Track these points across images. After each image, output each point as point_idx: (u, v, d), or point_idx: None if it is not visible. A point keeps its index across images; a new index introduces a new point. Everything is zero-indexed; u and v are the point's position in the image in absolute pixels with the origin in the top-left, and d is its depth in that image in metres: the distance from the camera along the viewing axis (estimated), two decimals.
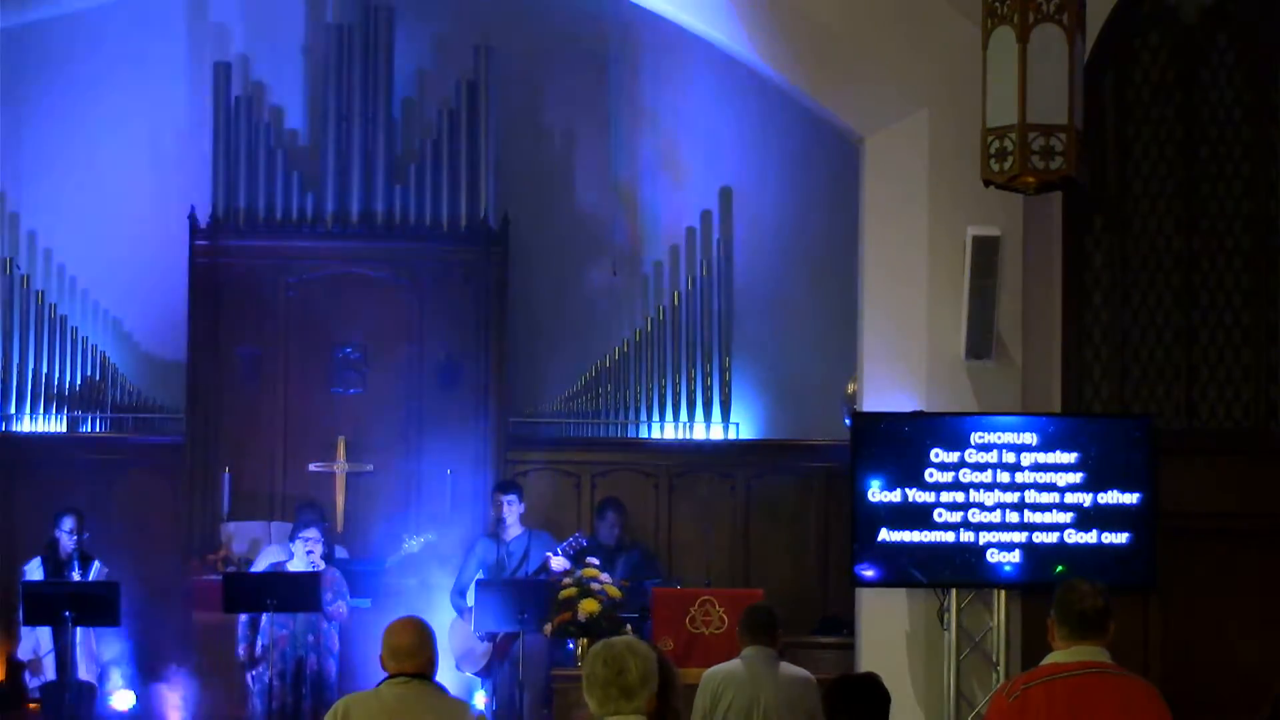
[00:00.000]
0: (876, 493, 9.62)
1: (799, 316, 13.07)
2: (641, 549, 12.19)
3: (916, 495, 9.62)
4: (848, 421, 10.52)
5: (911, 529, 9.61)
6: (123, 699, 11.66)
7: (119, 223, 13.12)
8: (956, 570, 9.63)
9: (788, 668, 8.31)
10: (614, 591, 10.70)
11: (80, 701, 11.00)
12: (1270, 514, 10.39)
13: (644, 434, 12.96)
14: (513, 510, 11.56)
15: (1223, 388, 10.63)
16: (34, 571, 11.31)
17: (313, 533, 11.10)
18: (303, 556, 11.02)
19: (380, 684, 5.85)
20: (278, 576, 10.88)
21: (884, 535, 9.61)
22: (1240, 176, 10.64)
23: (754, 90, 12.72)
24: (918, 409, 10.02)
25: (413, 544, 12.02)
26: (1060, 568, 9.46)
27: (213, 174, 12.83)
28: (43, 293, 13.03)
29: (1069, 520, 9.61)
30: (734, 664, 8.29)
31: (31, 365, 12.92)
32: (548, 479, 12.89)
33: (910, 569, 9.65)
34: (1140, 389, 10.62)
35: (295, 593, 10.67)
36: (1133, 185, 10.64)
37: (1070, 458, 9.64)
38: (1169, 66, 10.65)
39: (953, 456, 9.63)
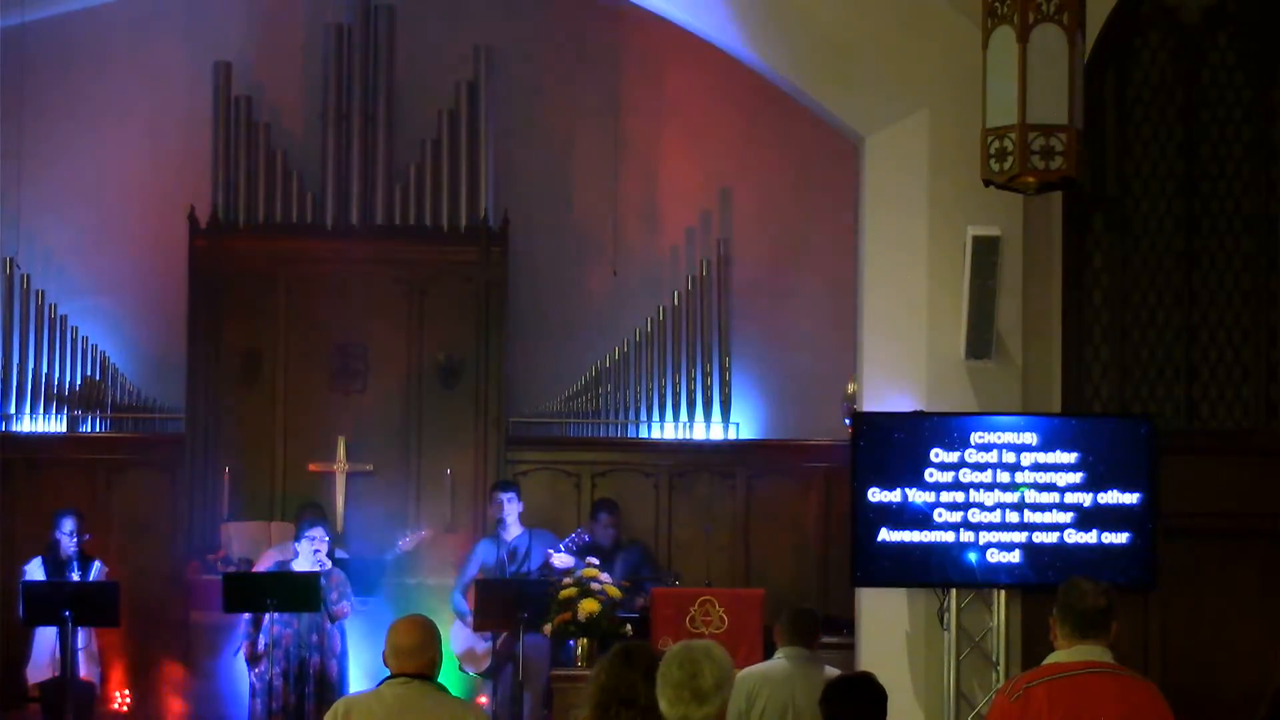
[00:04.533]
0: (876, 493, 9.60)
1: (799, 316, 13.06)
2: (639, 548, 12.17)
3: (916, 495, 9.60)
4: (848, 421, 10.50)
5: (911, 529, 9.59)
6: (123, 699, 11.66)
7: (119, 223, 13.13)
8: (957, 570, 9.62)
9: (827, 670, 8.23)
10: (614, 591, 10.69)
11: (80, 701, 10.99)
12: (1270, 514, 10.37)
13: (644, 434, 12.96)
14: (512, 509, 11.54)
15: (1223, 388, 10.62)
16: (34, 571, 11.31)
17: (318, 531, 11.10)
18: (309, 556, 11.02)
19: (381, 684, 5.85)
20: (277, 576, 10.89)
21: (884, 535, 9.58)
22: (1240, 176, 10.63)
23: (754, 90, 12.71)
24: (918, 409, 10.00)
25: (407, 541, 12.02)
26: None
27: (213, 174, 12.84)
28: (43, 292, 13.03)
29: (1069, 520, 9.60)
30: (770, 664, 8.25)
31: (31, 365, 12.92)
32: (547, 479, 12.90)
33: (910, 569, 9.63)
34: (1140, 389, 10.61)
35: (295, 592, 10.67)
36: (1133, 185, 10.63)
37: (1070, 458, 9.62)
38: (1169, 66, 10.63)
39: (953, 456, 9.61)
